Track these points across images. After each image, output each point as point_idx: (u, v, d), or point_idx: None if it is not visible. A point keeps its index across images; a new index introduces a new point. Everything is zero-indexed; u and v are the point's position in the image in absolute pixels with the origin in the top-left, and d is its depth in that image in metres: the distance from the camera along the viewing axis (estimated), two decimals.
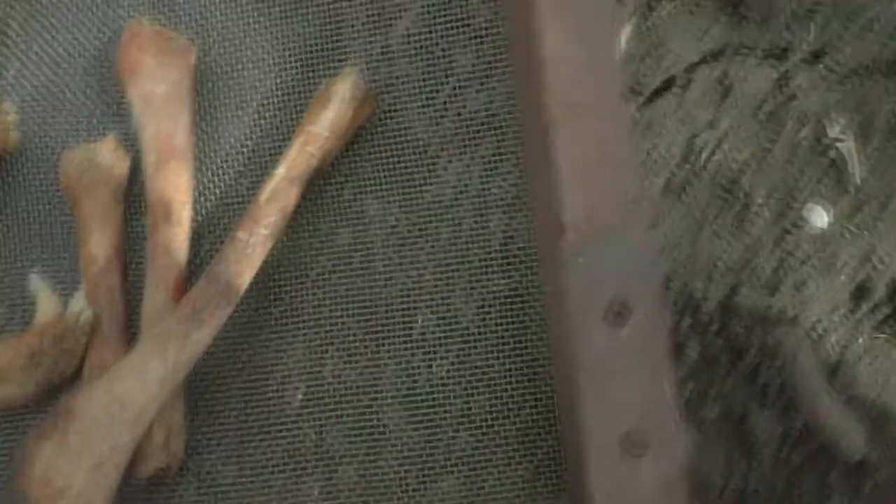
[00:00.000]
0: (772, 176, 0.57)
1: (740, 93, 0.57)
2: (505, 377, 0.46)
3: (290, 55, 0.49)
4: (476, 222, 0.47)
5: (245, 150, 0.49)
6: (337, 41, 0.49)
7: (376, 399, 0.46)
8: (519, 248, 0.47)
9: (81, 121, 0.49)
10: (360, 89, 0.45)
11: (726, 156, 0.57)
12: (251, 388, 0.47)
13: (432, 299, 0.47)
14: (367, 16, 0.49)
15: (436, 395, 0.46)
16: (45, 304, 0.46)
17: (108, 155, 0.46)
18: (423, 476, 0.45)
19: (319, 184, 0.47)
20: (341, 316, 0.47)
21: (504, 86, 0.47)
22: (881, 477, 0.57)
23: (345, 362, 0.47)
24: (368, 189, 0.48)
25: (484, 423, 0.46)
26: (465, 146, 0.47)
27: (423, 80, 0.48)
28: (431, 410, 0.46)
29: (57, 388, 0.45)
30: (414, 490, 0.45)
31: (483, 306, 0.47)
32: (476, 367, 0.46)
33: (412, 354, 0.46)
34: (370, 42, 0.48)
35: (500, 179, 0.47)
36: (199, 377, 0.46)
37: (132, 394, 0.41)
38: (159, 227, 0.45)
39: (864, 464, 0.57)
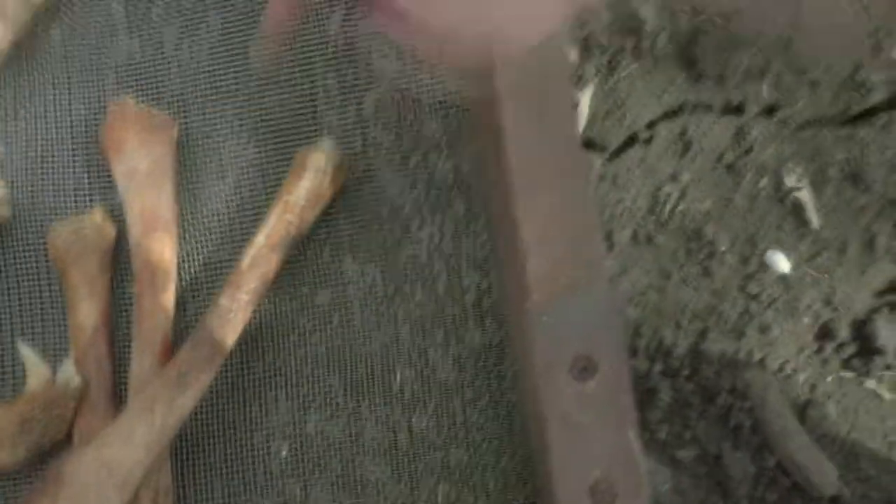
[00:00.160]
0: (734, 224, 0.59)
1: (700, 146, 0.59)
2: (482, 429, 0.47)
3: (267, 127, 0.51)
4: (450, 280, 0.49)
5: (226, 218, 0.50)
6: (312, 112, 0.51)
7: (359, 453, 0.47)
8: (492, 304, 0.48)
9: (69, 194, 0.51)
10: (335, 158, 0.47)
11: (689, 206, 0.59)
12: (237, 446, 0.48)
13: (410, 355, 0.48)
14: (340, 88, 0.51)
15: (416, 448, 0.47)
16: (35, 371, 0.47)
17: (95, 226, 0.48)
18: None
19: (299, 247, 0.48)
20: (323, 374, 0.48)
21: (471, 151, 0.49)
22: None
23: (327, 418, 0.48)
24: (346, 251, 0.49)
25: (464, 474, 0.47)
26: (437, 208, 0.49)
27: (396, 146, 0.50)
28: (412, 462, 0.47)
29: (47, 453, 0.46)
30: None
31: (459, 360, 0.48)
32: (454, 420, 0.47)
33: (392, 409, 0.47)
34: (344, 112, 0.50)
35: (472, 239, 0.49)
36: (185, 438, 0.47)
37: (120, 458, 0.42)
38: (145, 295, 0.46)
39: (838, 500, 0.58)
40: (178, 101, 0.51)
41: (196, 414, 0.48)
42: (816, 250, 0.60)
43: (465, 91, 0.50)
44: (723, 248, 0.59)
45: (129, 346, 0.47)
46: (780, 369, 0.59)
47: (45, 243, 0.49)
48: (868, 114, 0.61)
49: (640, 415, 0.48)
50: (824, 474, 0.58)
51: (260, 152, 0.50)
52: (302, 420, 0.48)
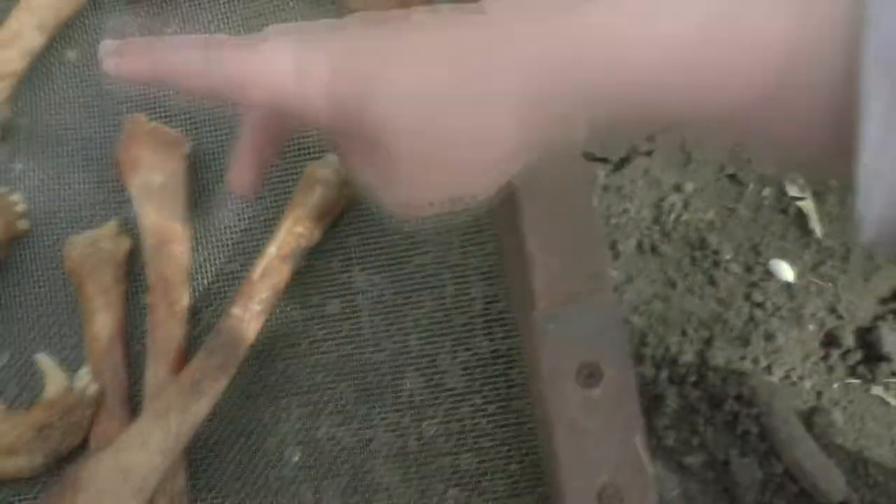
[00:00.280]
0: (738, 233, 0.60)
1: (701, 157, 0.60)
2: (491, 434, 0.47)
3: None
4: (457, 289, 0.49)
5: (238, 231, 0.51)
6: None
7: (369, 458, 0.48)
8: (500, 312, 0.49)
9: (85, 208, 0.52)
10: (343, 172, 0.48)
11: (693, 216, 0.59)
12: (250, 452, 0.48)
13: (419, 362, 0.49)
14: None
15: (426, 454, 0.47)
16: (53, 379, 0.47)
17: (110, 239, 0.49)
18: None
19: (309, 258, 0.49)
20: (333, 381, 0.49)
21: None
22: None
23: (338, 424, 0.48)
24: (355, 262, 0.50)
25: (473, 479, 0.47)
26: (444, 218, 0.50)
27: None
28: (422, 468, 0.47)
29: (64, 460, 0.47)
30: None
31: (468, 367, 0.48)
32: (463, 426, 0.48)
33: (402, 415, 0.48)
34: None
35: (479, 248, 0.50)
36: (199, 444, 0.48)
37: (136, 463, 0.43)
38: (159, 305, 0.47)
39: None
40: (189, 118, 0.53)
41: (210, 420, 0.48)
42: (820, 259, 0.60)
43: None
44: (727, 257, 0.60)
45: (143, 356, 0.48)
46: (786, 376, 0.59)
47: (61, 256, 0.50)
48: None
49: (648, 421, 0.49)
50: (832, 481, 0.58)
51: (270, 167, 0.51)
52: (313, 426, 0.48)
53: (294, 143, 0.52)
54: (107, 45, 0.30)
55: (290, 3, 0.54)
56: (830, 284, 0.60)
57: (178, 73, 0.30)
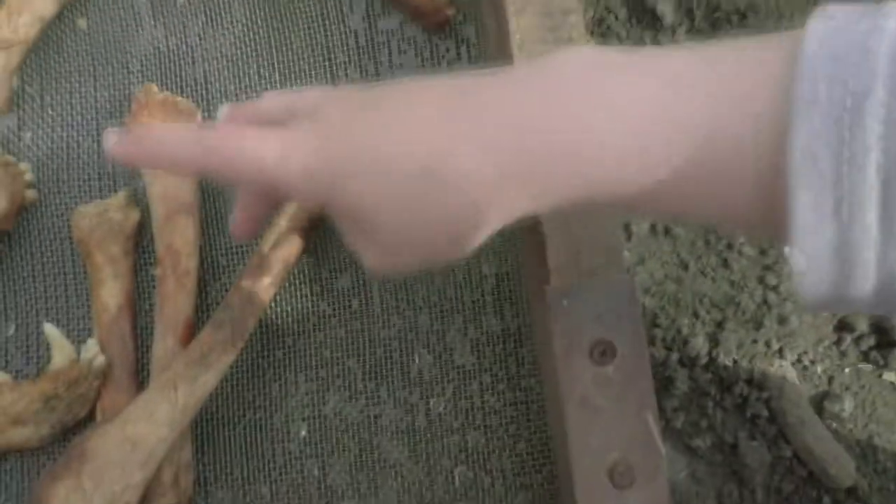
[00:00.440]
0: None
1: None
2: (500, 412, 0.47)
3: None
4: (468, 266, 0.49)
5: None
6: None
7: (377, 435, 0.48)
8: (510, 290, 0.49)
9: (94, 178, 0.52)
10: None
11: None
12: (256, 426, 0.48)
13: (429, 339, 0.49)
14: (362, 78, 0.52)
15: (434, 431, 0.47)
16: (60, 350, 0.47)
17: (119, 210, 0.49)
18: None
19: (320, 232, 0.49)
20: (342, 357, 0.49)
21: None
22: None
23: (346, 400, 0.48)
24: None
25: (481, 457, 0.47)
26: None
27: None
28: (430, 445, 0.47)
29: (71, 431, 0.47)
30: None
31: (477, 345, 0.48)
32: (472, 403, 0.48)
33: (410, 392, 0.48)
34: None
35: None
36: (206, 417, 0.48)
37: (143, 435, 0.43)
38: (168, 277, 0.47)
39: (854, 491, 0.58)
40: (201, 88, 0.52)
41: (217, 394, 0.48)
42: None
43: None
44: (741, 240, 0.59)
45: (151, 328, 0.48)
46: (798, 360, 0.59)
47: (69, 226, 0.50)
48: None
49: (658, 403, 0.49)
50: (841, 465, 0.58)
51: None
52: (321, 402, 0.48)
53: None
54: (109, 134, 0.34)
55: None
56: None
57: (174, 161, 0.34)
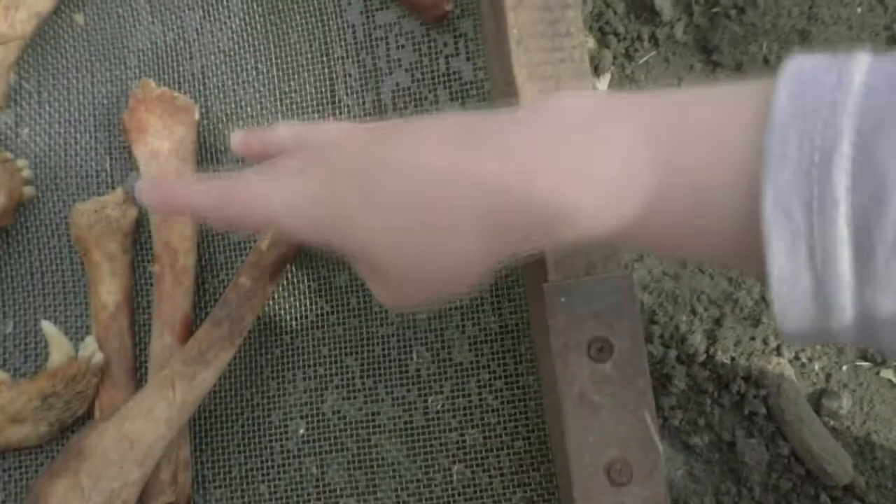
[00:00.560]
0: None
1: None
2: (498, 410, 0.47)
3: (286, 110, 0.52)
4: None
5: None
6: (332, 96, 0.51)
7: (375, 433, 0.48)
8: (508, 288, 0.49)
9: (91, 175, 0.51)
10: None
11: None
12: (255, 424, 0.48)
13: (426, 337, 0.48)
14: (360, 72, 0.51)
15: (432, 429, 0.47)
16: (58, 348, 0.47)
17: (117, 207, 0.48)
18: None
19: None
20: (340, 354, 0.49)
21: None
22: (869, 501, 0.58)
23: (344, 398, 0.48)
24: None
25: (479, 455, 0.47)
26: None
27: None
28: (428, 443, 0.47)
29: (69, 428, 0.47)
30: None
31: (475, 342, 0.48)
32: (470, 401, 0.48)
33: (408, 390, 0.48)
34: (363, 96, 0.51)
35: None
36: (204, 415, 0.48)
37: (141, 433, 0.43)
38: (165, 274, 0.47)
39: (852, 488, 0.58)
40: (199, 84, 0.52)
41: (215, 391, 0.48)
42: None
43: (484, 75, 0.50)
44: None
45: (149, 325, 0.48)
46: (796, 357, 0.59)
47: (67, 223, 0.50)
48: None
49: (655, 400, 0.49)
50: (838, 463, 0.58)
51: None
52: (319, 399, 0.48)
53: (305, 112, 0.51)
54: (143, 183, 0.39)
55: None
56: None
57: (197, 211, 0.39)
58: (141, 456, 0.43)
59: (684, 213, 0.29)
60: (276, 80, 0.52)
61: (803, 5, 0.63)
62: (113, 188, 0.51)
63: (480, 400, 0.48)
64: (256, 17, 0.53)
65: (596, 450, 0.39)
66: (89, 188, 0.51)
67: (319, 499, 0.47)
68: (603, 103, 0.32)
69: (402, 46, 0.52)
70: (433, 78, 0.51)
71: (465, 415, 0.47)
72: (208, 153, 0.51)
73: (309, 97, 0.51)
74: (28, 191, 0.50)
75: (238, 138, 0.42)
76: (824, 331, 0.27)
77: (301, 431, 0.48)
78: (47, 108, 0.52)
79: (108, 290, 0.47)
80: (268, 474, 0.48)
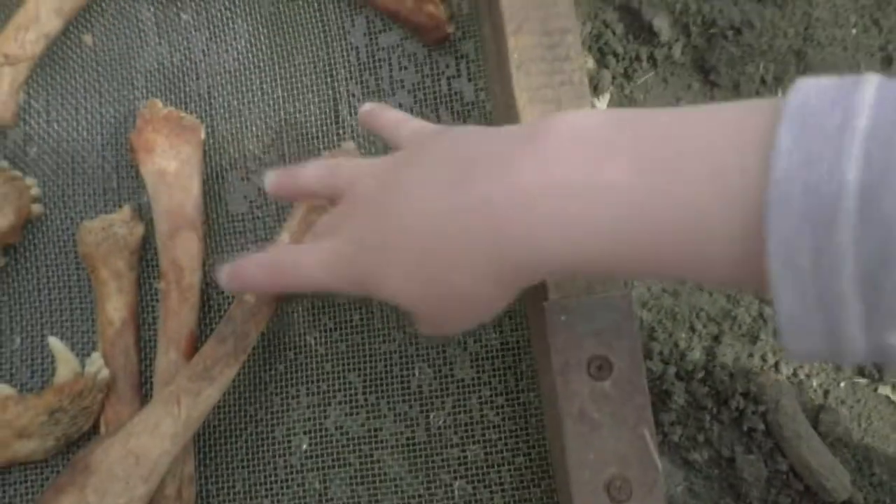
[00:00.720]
0: None
1: None
2: (499, 426, 0.48)
3: (291, 129, 0.52)
4: None
5: (250, 218, 0.51)
6: (336, 116, 0.52)
7: (377, 448, 0.48)
8: (509, 305, 0.49)
9: (99, 193, 0.52)
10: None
11: None
12: (258, 440, 0.48)
13: (429, 353, 0.49)
14: (363, 92, 0.52)
15: (433, 444, 0.48)
16: (64, 364, 0.48)
17: (124, 225, 0.49)
18: None
19: None
20: (343, 370, 0.49)
21: None
22: None
23: (346, 414, 0.48)
24: None
25: (480, 471, 0.47)
26: None
27: None
28: (430, 459, 0.47)
29: (75, 444, 0.47)
30: None
31: (477, 359, 0.49)
32: (471, 417, 0.48)
33: (410, 406, 0.48)
34: None
35: None
36: (208, 430, 0.49)
37: (146, 448, 0.43)
38: (171, 291, 0.48)
39: None
40: (204, 104, 0.53)
41: (220, 407, 0.49)
42: None
43: (486, 95, 0.51)
44: None
45: (155, 341, 0.48)
46: (794, 374, 0.59)
47: (75, 240, 0.51)
48: None
49: (655, 417, 0.49)
50: (837, 479, 0.58)
51: (283, 154, 0.52)
52: (322, 415, 0.49)
53: (309, 131, 0.52)
54: (222, 269, 0.43)
55: None
56: None
57: (258, 288, 0.44)
58: (146, 471, 0.43)
59: (683, 250, 0.29)
60: (280, 101, 0.53)
61: (799, 26, 0.64)
62: (120, 206, 0.51)
63: (482, 416, 0.48)
64: (262, 39, 0.54)
65: (596, 466, 0.40)
66: (97, 206, 0.52)
67: None
68: (600, 133, 0.31)
69: (405, 68, 0.52)
70: (435, 98, 0.52)
71: (466, 431, 0.48)
72: (214, 172, 0.52)
73: (313, 117, 0.52)
74: (36, 208, 0.51)
75: (271, 181, 0.44)
76: (834, 357, 0.27)
77: (304, 447, 0.48)
78: (56, 126, 0.53)
79: (115, 307, 0.48)
80: (271, 489, 0.48)
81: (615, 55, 0.62)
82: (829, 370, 0.61)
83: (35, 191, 0.51)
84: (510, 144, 0.34)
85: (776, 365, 0.60)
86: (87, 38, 0.54)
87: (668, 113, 0.31)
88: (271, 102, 0.53)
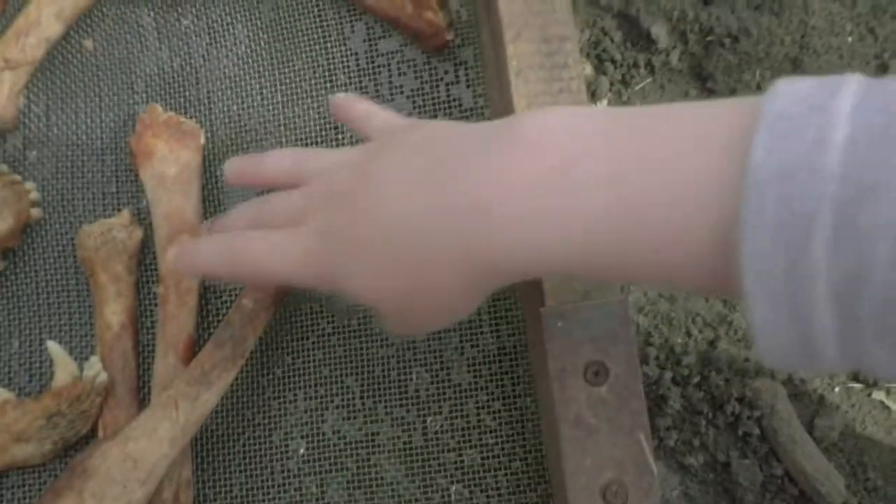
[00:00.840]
0: None
1: None
2: (495, 431, 0.48)
3: (289, 135, 0.52)
4: None
5: None
6: (335, 121, 0.52)
7: (374, 453, 0.48)
8: (506, 310, 0.50)
9: (98, 197, 0.52)
10: None
11: None
12: (256, 444, 0.49)
13: (426, 358, 0.49)
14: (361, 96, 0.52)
15: (430, 449, 0.48)
16: (63, 367, 0.48)
17: (123, 229, 0.49)
18: None
19: None
20: (340, 375, 0.49)
21: None
22: None
23: (344, 418, 0.49)
24: None
25: (477, 475, 0.47)
26: None
27: None
28: (426, 463, 0.48)
29: (72, 447, 0.47)
30: None
31: (474, 364, 0.49)
32: (468, 422, 0.48)
33: (407, 410, 0.48)
34: None
35: None
36: (206, 434, 0.49)
37: (144, 452, 0.43)
38: (170, 296, 0.48)
39: None
40: (205, 109, 0.53)
41: (217, 411, 0.49)
42: None
43: (484, 102, 0.51)
44: None
45: (153, 345, 0.49)
46: (789, 379, 0.60)
47: (74, 244, 0.51)
48: None
49: (651, 422, 0.49)
50: (832, 483, 0.58)
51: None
52: (320, 419, 0.49)
53: (309, 137, 0.52)
54: (171, 250, 0.45)
55: (308, 4, 0.54)
56: None
57: (212, 272, 0.42)
58: (144, 475, 0.43)
59: (653, 257, 0.29)
60: (280, 106, 0.53)
61: (795, 35, 0.64)
62: (119, 211, 0.51)
63: (479, 421, 0.48)
64: (262, 45, 0.54)
65: (592, 472, 0.40)
66: (96, 210, 0.52)
67: None
68: (575, 137, 0.31)
69: (404, 74, 0.53)
70: (434, 104, 0.52)
71: (463, 435, 0.48)
72: (213, 177, 0.52)
73: (312, 122, 0.53)
74: (35, 212, 0.51)
75: (232, 168, 0.43)
76: (809, 366, 0.27)
77: (301, 451, 0.49)
78: (55, 131, 0.53)
79: (113, 311, 0.48)
80: (268, 493, 0.48)
81: (613, 62, 0.62)
82: (823, 375, 0.61)
83: (34, 195, 0.51)
84: (483, 143, 0.33)
85: (771, 370, 0.60)
86: (88, 43, 0.54)
87: (644, 114, 0.30)
88: (271, 108, 0.53)
